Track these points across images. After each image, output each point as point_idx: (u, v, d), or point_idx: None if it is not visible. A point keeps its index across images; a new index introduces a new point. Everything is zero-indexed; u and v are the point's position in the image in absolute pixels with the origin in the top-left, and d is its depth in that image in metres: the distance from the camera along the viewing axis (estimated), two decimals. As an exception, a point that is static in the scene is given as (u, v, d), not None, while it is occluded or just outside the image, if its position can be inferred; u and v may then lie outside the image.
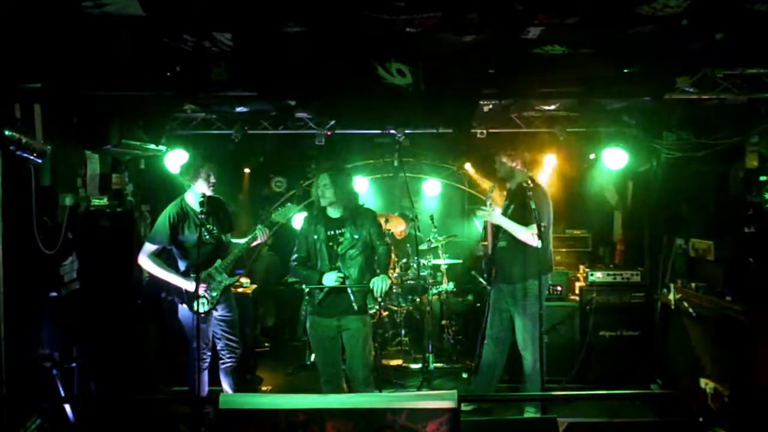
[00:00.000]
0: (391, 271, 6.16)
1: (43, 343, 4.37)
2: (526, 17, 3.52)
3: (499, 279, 5.05)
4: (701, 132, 5.35)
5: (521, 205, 4.87)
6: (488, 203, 4.97)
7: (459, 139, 6.14)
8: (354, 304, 4.22)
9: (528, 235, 4.73)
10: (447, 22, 3.58)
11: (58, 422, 4.21)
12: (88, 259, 4.95)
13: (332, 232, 4.29)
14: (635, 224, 6.67)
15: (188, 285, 4.53)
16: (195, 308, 4.49)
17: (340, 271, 4.22)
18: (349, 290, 4.21)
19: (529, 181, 4.74)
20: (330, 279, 4.20)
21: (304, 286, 4.41)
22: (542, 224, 4.61)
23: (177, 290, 4.62)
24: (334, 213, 4.33)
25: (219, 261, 4.72)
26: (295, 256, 4.43)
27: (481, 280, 5.80)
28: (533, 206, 4.60)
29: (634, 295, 5.76)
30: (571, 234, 6.80)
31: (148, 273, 4.79)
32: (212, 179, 4.65)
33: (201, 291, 4.51)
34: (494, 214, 4.92)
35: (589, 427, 3.68)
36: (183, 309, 4.66)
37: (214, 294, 4.65)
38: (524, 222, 4.81)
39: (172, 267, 4.73)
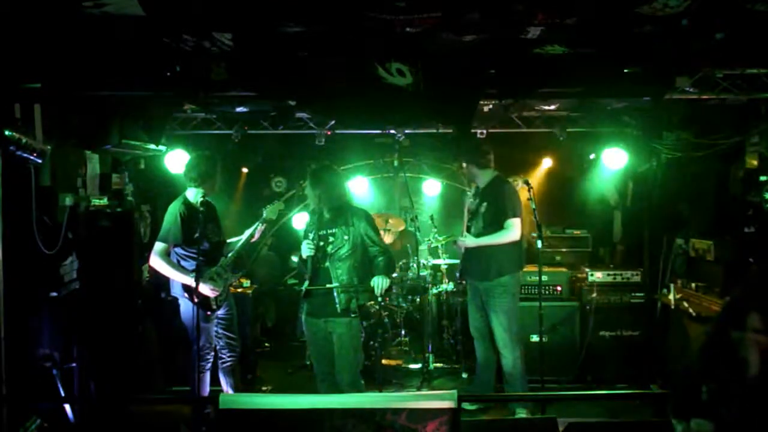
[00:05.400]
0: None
1: (43, 343, 4.36)
2: (526, 17, 3.52)
3: (472, 276, 5.09)
4: (701, 132, 5.35)
5: (492, 204, 4.95)
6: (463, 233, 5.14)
7: (459, 139, 6.14)
8: (338, 306, 4.21)
9: (506, 237, 4.86)
10: (447, 22, 3.58)
11: (58, 422, 4.20)
12: (88, 259, 4.94)
13: (323, 232, 4.31)
14: (635, 224, 6.67)
15: (202, 285, 4.46)
16: (213, 307, 4.53)
17: (312, 242, 4.25)
18: (334, 291, 4.21)
19: (497, 179, 4.95)
20: (304, 249, 4.26)
21: (303, 288, 4.40)
22: (517, 217, 4.84)
23: (188, 290, 4.53)
24: (326, 213, 4.35)
25: (223, 259, 4.74)
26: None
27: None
28: (508, 202, 4.85)
29: (634, 295, 5.76)
30: (571, 234, 6.80)
31: (152, 273, 4.74)
32: (219, 180, 4.74)
33: (211, 289, 4.54)
34: (468, 241, 5.02)
35: (589, 427, 3.68)
36: (186, 309, 4.63)
37: (222, 292, 4.66)
38: (497, 220, 4.90)
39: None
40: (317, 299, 4.31)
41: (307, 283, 4.31)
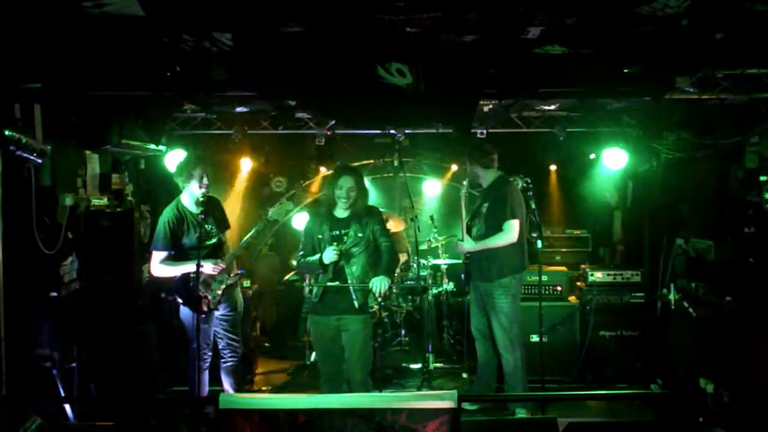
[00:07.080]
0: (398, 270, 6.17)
1: (43, 343, 4.37)
2: (526, 17, 3.53)
3: (475, 277, 5.09)
4: (701, 132, 5.35)
5: (493, 204, 4.95)
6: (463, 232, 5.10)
7: (459, 139, 6.15)
8: (355, 301, 4.21)
9: (503, 240, 4.84)
10: (447, 22, 3.59)
11: (58, 422, 4.20)
12: (88, 259, 4.95)
13: (337, 232, 4.29)
14: (635, 224, 6.68)
15: (206, 267, 4.52)
16: (204, 309, 4.52)
17: (337, 248, 4.18)
18: (351, 288, 4.21)
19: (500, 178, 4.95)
20: (329, 255, 4.18)
21: (305, 285, 4.39)
22: (516, 218, 4.82)
23: (179, 290, 4.61)
24: (340, 213, 4.33)
25: (218, 260, 4.73)
26: (300, 253, 4.44)
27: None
28: (507, 203, 4.81)
29: (634, 295, 5.75)
30: (571, 234, 6.80)
31: (155, 276, 4.76)
32: (205, 181, 4.62)
33: (201, 291, 4.52)
34: (466, 245, 5.01)
35: (589, 427, 3.68)
36: (184, 309, 4.65)
37: (215, 294, 4.66)
38: (497, 221, 4.90)
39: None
40: (329, 297, 4.29)
41: (320, 286, 4.28)
